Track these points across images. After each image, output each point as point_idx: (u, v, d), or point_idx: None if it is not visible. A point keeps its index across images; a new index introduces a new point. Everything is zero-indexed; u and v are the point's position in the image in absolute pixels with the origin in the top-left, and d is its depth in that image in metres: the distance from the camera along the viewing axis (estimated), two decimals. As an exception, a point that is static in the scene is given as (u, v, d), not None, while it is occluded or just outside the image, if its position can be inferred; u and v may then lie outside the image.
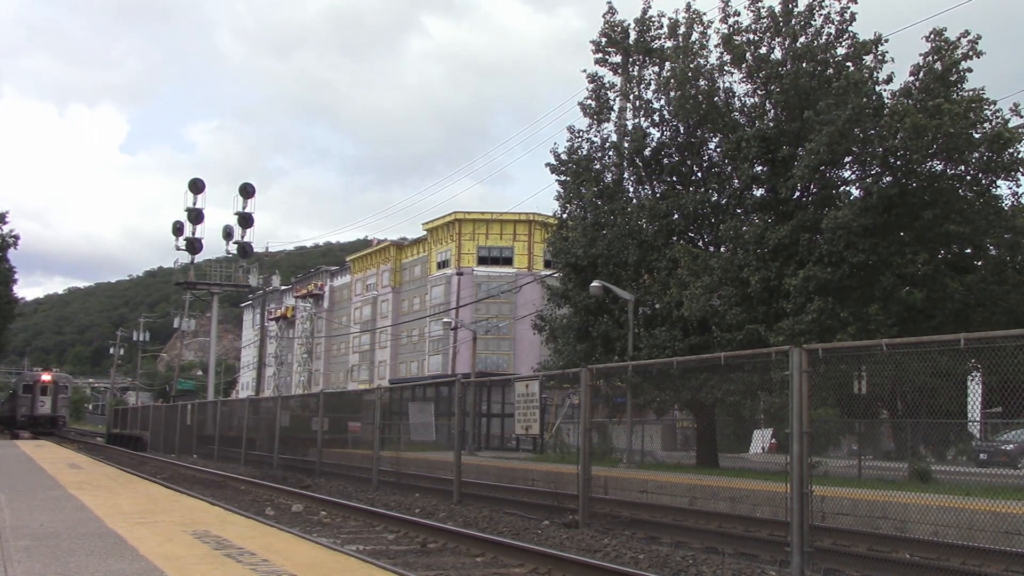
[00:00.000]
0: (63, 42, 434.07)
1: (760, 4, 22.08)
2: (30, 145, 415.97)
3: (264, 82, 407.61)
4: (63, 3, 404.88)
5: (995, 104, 19.28)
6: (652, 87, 24.67)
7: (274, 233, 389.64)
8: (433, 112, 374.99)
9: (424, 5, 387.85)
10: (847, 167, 21.40)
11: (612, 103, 25.28)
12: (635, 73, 25.14)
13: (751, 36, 22.07)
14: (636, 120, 24.88)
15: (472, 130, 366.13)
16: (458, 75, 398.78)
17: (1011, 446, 19.25)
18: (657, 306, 23.34)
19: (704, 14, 23.80)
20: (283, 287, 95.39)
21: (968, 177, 19.99)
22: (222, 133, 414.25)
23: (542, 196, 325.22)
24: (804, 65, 21.00)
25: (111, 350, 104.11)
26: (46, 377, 55.06)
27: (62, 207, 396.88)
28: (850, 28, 21.12)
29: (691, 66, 22.69)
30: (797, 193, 21.25)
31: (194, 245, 53.62)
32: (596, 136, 25.30)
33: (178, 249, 53.77)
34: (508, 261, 75.35)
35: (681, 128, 23.86)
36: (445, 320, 56.70)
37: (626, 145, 24.27)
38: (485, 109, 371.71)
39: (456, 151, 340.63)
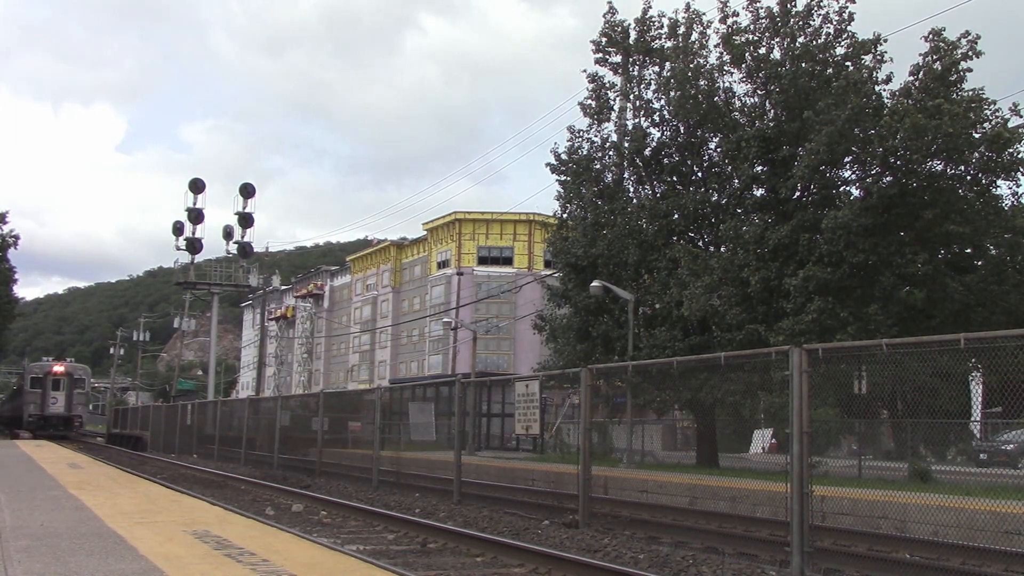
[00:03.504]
0: (58, 41, 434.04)
1: (759, 4, 22.12)
2: (26, 145, 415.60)
3: (260, 81, 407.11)
4: (58, 2, 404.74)
5: (995, 104, 19.31)
6: (652, 87, 24.73)
7: (271, 232, 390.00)
8: (429, 111, 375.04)
9: (420, 3, 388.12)
10: (847, 167, 21.42)
11: (612, 103, 25.32)
12: (635, 73, 25.17)
13: (750, 36, 22.09)
14: (636, 120, 24.93)
15: (468, 129, 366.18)
16: (454, 74, 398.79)
17: (1011, 446, 19.25)
18: (657, 306, 23.35)
19: (704, 14, 23.91)
20: (283, 287, 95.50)
21: (968, 177, 20.00)
22: (218, 133, 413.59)
23: (540, 196, 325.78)
24: (803, 65, 21.01)
25: (111, 350, 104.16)
26: (59, 368, 45.78)
27: (59, 207, 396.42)
28: (849, 28, 21.18)
29: (691, 66, 22.72)
30: (797, 193, 21.26)
31: (194, 245, 53.78)
32: (596, 136, 25.38)
33: (178, 249, 54.01)
34: (508, 261, 75.35)
35: (681, 128, 23.89)
36: (445, 320, 56.70)
37: (626, 145, 24.29)
38: (481, 108, 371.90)
39: (452, 151, 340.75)
